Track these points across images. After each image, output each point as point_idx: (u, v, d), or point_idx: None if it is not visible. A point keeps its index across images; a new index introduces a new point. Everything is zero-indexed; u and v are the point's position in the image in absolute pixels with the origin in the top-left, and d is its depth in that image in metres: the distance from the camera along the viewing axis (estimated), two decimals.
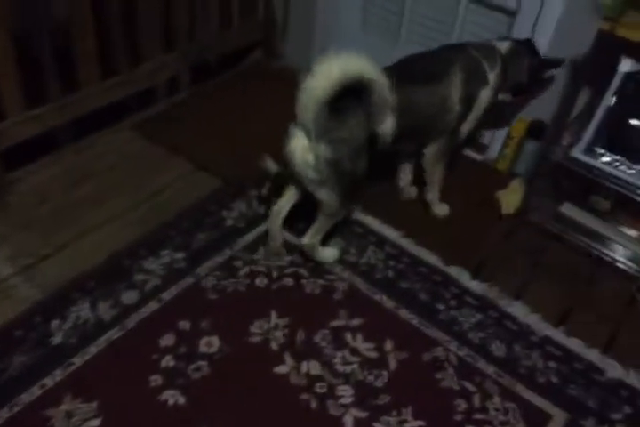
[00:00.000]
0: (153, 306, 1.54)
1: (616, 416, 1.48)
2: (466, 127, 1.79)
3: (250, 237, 1.78)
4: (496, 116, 2.06)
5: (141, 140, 2.12)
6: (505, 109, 2.10)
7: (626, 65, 1.75)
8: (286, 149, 1.52)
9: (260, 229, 1.82)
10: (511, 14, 2.07)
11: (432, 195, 1.94)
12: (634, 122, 1.82)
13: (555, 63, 1.89)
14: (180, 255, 1.68)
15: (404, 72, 1.64)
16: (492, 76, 1.76)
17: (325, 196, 1.54)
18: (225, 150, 2.10)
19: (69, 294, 1.55)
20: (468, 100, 1.72)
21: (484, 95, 1.76)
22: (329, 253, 1.74)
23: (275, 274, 1.68)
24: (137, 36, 2.09)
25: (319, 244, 1.69)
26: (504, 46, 1.80)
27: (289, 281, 1.67)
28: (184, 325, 1.51)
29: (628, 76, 1.75)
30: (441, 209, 1.97)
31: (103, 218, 1.80)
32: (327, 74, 1.32)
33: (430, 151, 1.80)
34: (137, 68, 2.12)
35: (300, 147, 1.47)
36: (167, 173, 1.98)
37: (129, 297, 1.55)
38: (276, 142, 2.16)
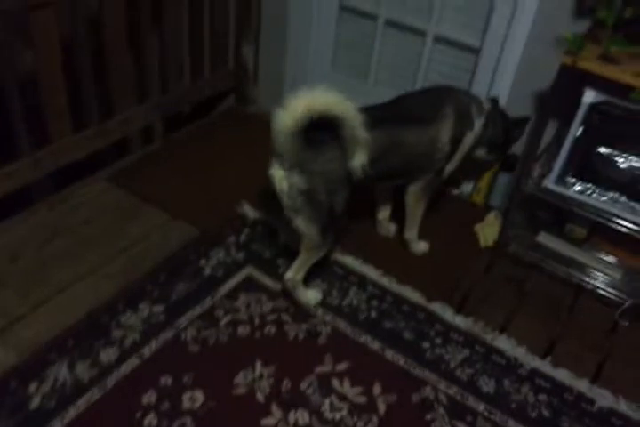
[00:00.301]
0: (133, 362, 1.50)
1: None
2: (449, 167, 1.82)
3: (230, 285, 1.76)
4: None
5: (116, 191, 2.11)
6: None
7: (589, 96, 1.81)
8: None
9: (241, 275, 1.80)
10: (475, 52, 2.15)
11: (410, 233, 1.95)
12: (602, 150, 1.89)
13: (522, 122, 1.96)
14: (158, 308, 1.65)
15: (393, 112, 1.69)
16: (477, 124, 1.80)
17: (302, 225, 1.57)
18: (200, 198, 2.11)
19: (46, 356, 1.50)
20: (456, 141, 1.75)
21: (469, 138, 1.79)
22: (311, 296, 1.73)
23: (257, 322, 1.65)
24: (109, 90, 2.12)
25: (302, 284, 1.69)
26: (487, 104, 1.85)
27: (272, 328, 1.64)
28: (166, 380, 1.47)
29: (593, 106, 1.82)
30: (419, 247, 1.98)
31: (79, 273, 1.77)
32: (294, 107, 1.36)
33: (414, 188, 1.82)
34: (110, 121, 2.14)
35: (278, 175, 1.54)
36: (143, 224, 1.97)
37: (108, 355, 1.50)
38: (252, 188, 2.20)
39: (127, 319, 1.60)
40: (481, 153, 1.92)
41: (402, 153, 1.66)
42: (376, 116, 1.54)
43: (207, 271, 1.80)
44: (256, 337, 1.61)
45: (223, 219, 2.00)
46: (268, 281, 1.79)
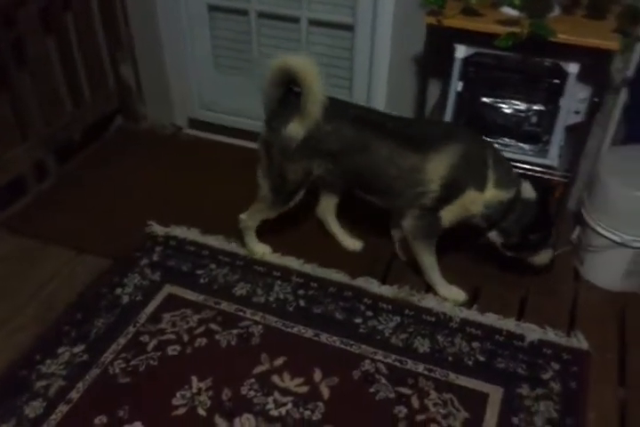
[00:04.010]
0: (62, 410, 1.43)
1: (546, 376, 1.53)
2: (448, 216, 1.62)
3: (151, 307, 1.72)
4: None
5: (13, 237, 2.01)
6: None
7: (460, 51, 1.85)
8: None
9: (161, 295, 1.76)
10: (350, 28, 2.17)
11: (427, 278, 1.77)
12: (485, 100, 1.94)
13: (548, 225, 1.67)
14: (79, 348, 1.58)
15: (381, 118, 1.65)
16: (493, 192, 1.57)
17: (259, 173, 1.72)
18: (106, 227, 2.04)
19: None
20: (452, 189, 1.57)
21: (472, 198, 1.57)
22: (259, 248, 1.89)
23: (186, 338, 1.62)
24: None
25: (253, 235, 1.87)
26: (529, 193, 1.61)
27: (202, 340, 1.61)
28: (101, 420, 1.41)
29: (466, 60, 1.87)
30: (448, 292, 1.75)
31: None
32: (273, 63, 1.52)
33: (404, 223, 1.68)
34: None
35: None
36: (47, 266, 1.88)
37: (33, 409, 1.43)
38: (158, 204, 2.15)
39: (47, 368, 1.52)
40: (495, 238, 1.68)
41: (369, 162, 1.59)
42: (354, 111, 1.62)
43: (125, 299, 1.74)
44: (187, 354, 1.58)
45: (132, 243, 1.94)
46: (190, 295, 1.76)
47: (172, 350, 1.59)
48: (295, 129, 1.57)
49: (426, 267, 1.75)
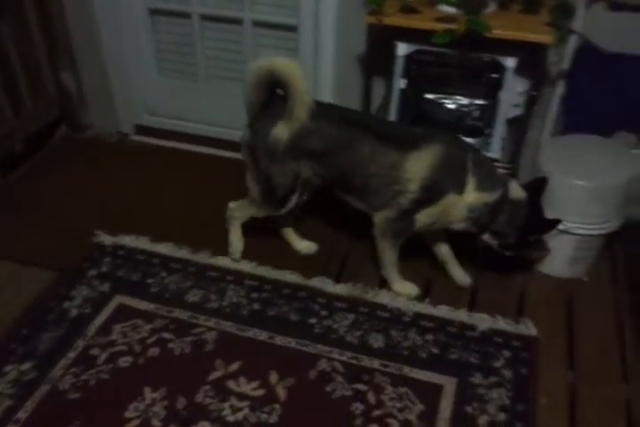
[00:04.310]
0: None
1: (498, 364, 1.57)
2: (423, 219, 1.61)
3: (101, 319, 1.68)
4: None
5: None
6: None
7: (402, 48, 1.89)
8: None
9: (111, 306, 1.72)
10: (294, 29, 2.17)
11: (384, 272, 1.79)
12: (429, 96, 1.98)
13: (550, 225, 1.63)
14: (27, 366, 1.53)
15: (364, 117, 1.68)
16: (474, 195, 1.55)
17: (247, 178, 1.71)
18: (51, 238, 1.98)
19: None
20: (431, 191, 1.55)
21: (450, 201, 1.56)
22: (236, 245, 1.87)
23: (137, 348, 1.59)
24: None
25: (238, 228, 1.85)
26: (518, 193, 1.59)
27: (155, 350, 1.59)
28: None
29: (408, 57, 1.89)
30: (402, 288, 1.77)
31: None
32: (256, 65, 1.54)
33: (376, 219, 1.66)
34: None
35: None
36: None
37: None
38: (106, 213, 2.10)
39: None
40: (489, 240, 1.66)
41: (352, 159, 1.59)
42: (339, 112, 1.64)
43: (73, 312, 1.70)
44: (140, 364, 1.55)
45: (80, 254, 1.89)
46: (141, 304, 1.72)
47: (124, 362, 1.56)
48: (281, 131, 1.56)
49: (386, 263, 1.76)
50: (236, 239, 1.88)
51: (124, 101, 2.49)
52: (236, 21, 2.23)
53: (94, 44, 2.34)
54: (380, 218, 1.65)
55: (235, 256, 1.87)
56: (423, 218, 1.60)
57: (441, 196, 1.55)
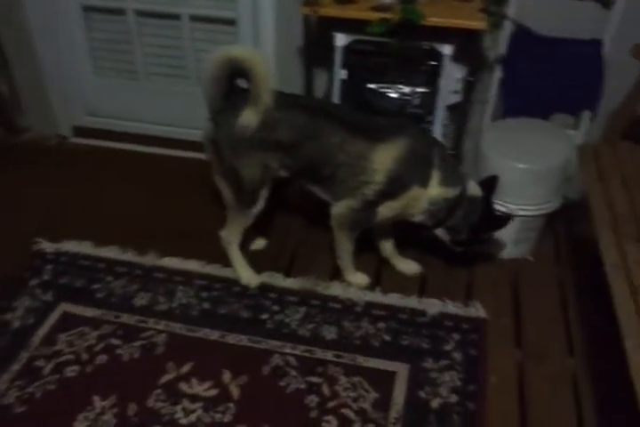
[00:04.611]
0: None
1: (448, 347, 1.59)
2: (384, 211, 1.60)
3: (45, 329, 1.62)
4: None
5: None
6: None
7: (340, 39, 1.88)
8: None
9: (55, 315, 1.67)
10: (233, 23, 2.13)
11: (340, 262, 1.78)
12: (371, 86, 1.98)
13: (502, 222, 1.67)
14: None
15: (332, 107, 1.66)
16: (438, 190, 1.56)
17: (216, 178, 1.65)
18: None
19: None
20: (397, 184, 1.55)
21: (416, 195, 1.56)
22: (245, 274, 1.78)
23: (85, 356, 1.55)
24: None
25: (237, 250, 1.77)
26: (474, 190, 1.62)
27: (103, 357, 1.55)
28: None
29: (346, 48, 1.88)
30: (355, 279, 1.79)
31: None
32: (216, 55, 1.48)
33: (336, 209, 1.63)
34: None
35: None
36: None
37: None
38: (48, 219, 2.03)
39: None
40: (442, 235, 1.69)
41: (320, 149, 1.55)
42: (305, 102, 1.64)
43: (16, 324, 1.64)
44: (88, 373, 1.51)
45: (20, 263, 1.82)
46: (86, 311, 1.68)
47: (71, 372, 1.51)
48: (249, 117, 1.51)
49: (342, 254, 1.75)
50: (242, 266, 1.78)
51: (61, 103, 2.41)
52: (174, 16, 2.18)
53: (26, 45, 2.25)
54: (341, 208, 1.63)
55: (252, 286, 1.76)
56: (385, 211, 1.60)
57: (405, 189, 1.56)
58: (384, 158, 1.53)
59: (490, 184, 1.67)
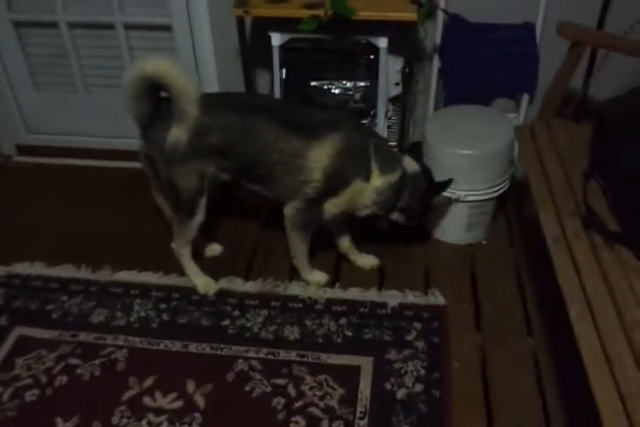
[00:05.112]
0: None
1: (410, 337, 1.61)
2: (331, 209, 1.61)
3: (1, 354, 1.58)
4: None
5: None
6: None
7: (276, 39, 1.87)
8: None
9: (10, 339, 1.62)
10: (169, 29, 2.11)
11: (295, 261, 1.78)
12: (314, 83, 1.99)
13: (444, 186, 1.70)
14: None
15: (264, 102, 1.62)
16: (380, 181, 1.57)
17: (155, 194, 1.68)
18: None
19: None
20: (336, 180, 1.55)
21: (357, 189, 1.57)
22: (200, 281, 1.77)
23: (44, 379, 1.51)
24: None
25: (189, 260, 1.75)
26: (412, 166, 1.63)
27: (62, 379, 1.51)
28: None
29: (284, 47, 1.88)
30: (312, 277, 1.78)
31: None
32: (130, 71, 1.44)
33: (285, 211, 1.63)
34: None
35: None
36: None
37: None
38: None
39: None
40: (397, 218, 1.70)
41: (254, 147, 1.53)
42: (237, 99, 1.60)
43: None
44: (48, 396, 1.47)
45: None
46: (42, 333, 1.64)
47: (31, 396, 1.48)
48: (178, 134, 1.47)
49: (297, 254, 1.74)
50: (197, 275, 1.76)
51: (2, 122, 2.35)
52: (108, 26, 2.14)
53: None
54: (289, 209, 1.63)
55: (210, 293, 1.76)
56: (331, 208, 1.60)
57: (347, 184, 1.56)
58: (319, 156, 1.52)
59: (416, 151, 1.73)
